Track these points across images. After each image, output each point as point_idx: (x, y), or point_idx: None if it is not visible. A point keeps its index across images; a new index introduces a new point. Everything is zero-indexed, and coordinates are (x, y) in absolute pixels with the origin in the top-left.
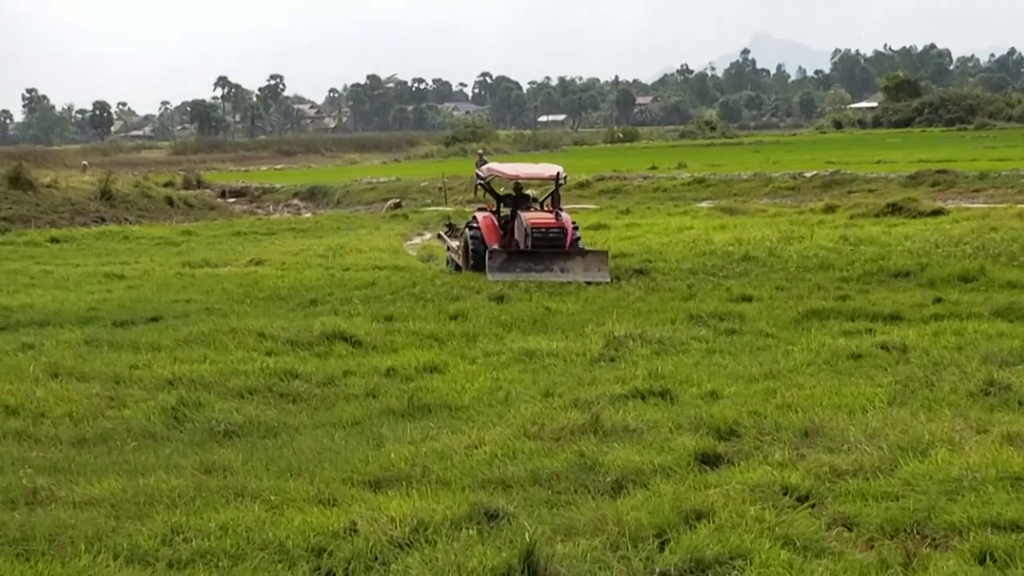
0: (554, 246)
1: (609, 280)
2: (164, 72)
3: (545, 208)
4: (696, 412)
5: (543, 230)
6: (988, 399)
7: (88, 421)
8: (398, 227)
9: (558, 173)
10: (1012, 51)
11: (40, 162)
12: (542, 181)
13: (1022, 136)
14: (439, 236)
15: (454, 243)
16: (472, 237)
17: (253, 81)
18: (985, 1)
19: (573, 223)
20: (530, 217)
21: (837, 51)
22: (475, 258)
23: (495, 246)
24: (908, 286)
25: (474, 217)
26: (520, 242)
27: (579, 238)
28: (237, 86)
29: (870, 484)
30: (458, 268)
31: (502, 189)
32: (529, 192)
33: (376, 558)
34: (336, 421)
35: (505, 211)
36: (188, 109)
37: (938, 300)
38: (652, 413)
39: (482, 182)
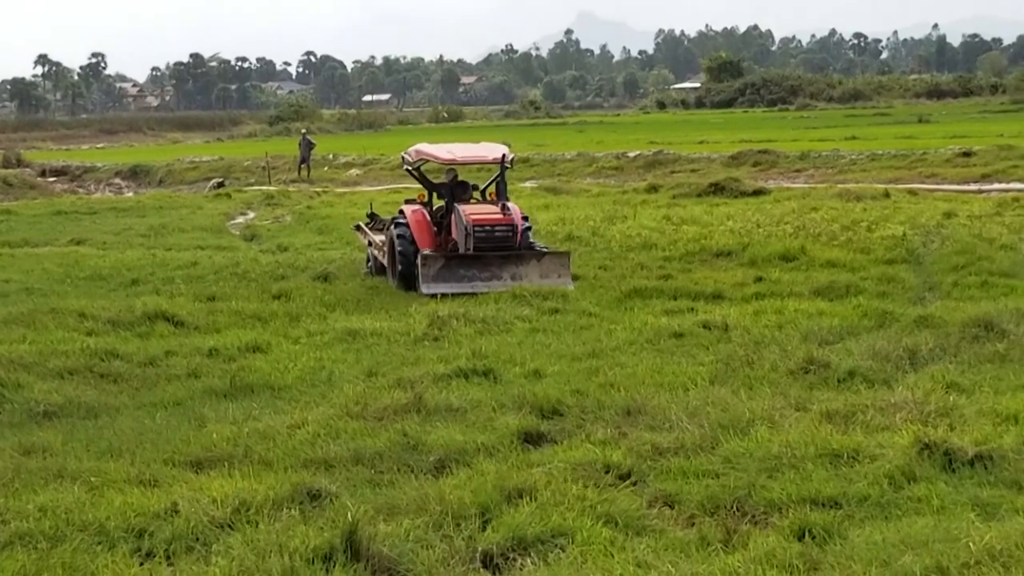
0: (502, 247)
1: (572, 287)
2: None
3: (488, 198)
4: (519, 391)
5: (488, 227)
6: (808, 377)
7: None
8: (221, 206)
9: (503, 155)
10: (833, 32)
11: None
12: (483, 165)
13: (842, 116)
14: (357, 227)
15: (378, 238)
16: (399, 237)
17: (74, 59)
18: None
19: (523, 215)
20: (471, 212)
21: (661, 31)
22: (403, 264)
23: (428, 250)
24: (730, 265)
25: (401, 211)
26: (460, 243)
27: (530, 231)
28: (58, 64)
29: (691, 462)
30: (382, 270)
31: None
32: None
33: (197, 539)
34: (158, 401)
35: (439, 203)
36: (8, 87)
37: (759, 279)
38: (475, 392)
39: (411, 168)
